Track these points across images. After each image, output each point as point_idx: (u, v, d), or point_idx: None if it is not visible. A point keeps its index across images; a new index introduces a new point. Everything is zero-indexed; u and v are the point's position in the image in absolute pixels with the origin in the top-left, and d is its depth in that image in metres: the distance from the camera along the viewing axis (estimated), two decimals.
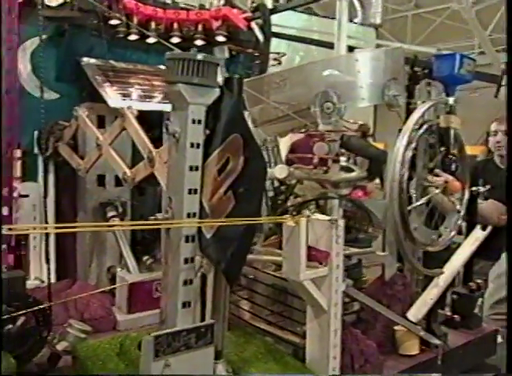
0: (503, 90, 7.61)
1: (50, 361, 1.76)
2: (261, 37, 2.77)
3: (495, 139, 3.39)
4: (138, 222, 2.21)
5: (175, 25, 2.60)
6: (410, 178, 1.99)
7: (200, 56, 1.38)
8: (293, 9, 3.19)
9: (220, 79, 1.48)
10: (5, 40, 1.99)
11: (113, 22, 2.42)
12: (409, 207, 1.89)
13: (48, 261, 2.35)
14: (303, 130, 2.34)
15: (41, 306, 1.71)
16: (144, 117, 2.15)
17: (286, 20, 3.13)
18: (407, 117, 2.07)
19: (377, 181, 2.21)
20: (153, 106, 2.38)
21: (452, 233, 2.11)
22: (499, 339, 2.33)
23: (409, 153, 1.93)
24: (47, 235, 2.49)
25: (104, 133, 2.07)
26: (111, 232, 2.48)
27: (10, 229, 1.78)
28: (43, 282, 2.36)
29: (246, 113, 2.24)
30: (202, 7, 2.72)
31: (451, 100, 2.09)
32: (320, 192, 2.23)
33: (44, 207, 2.29)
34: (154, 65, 2.70)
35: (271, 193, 2.53)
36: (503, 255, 3.21)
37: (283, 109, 2.11)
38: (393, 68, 2.11)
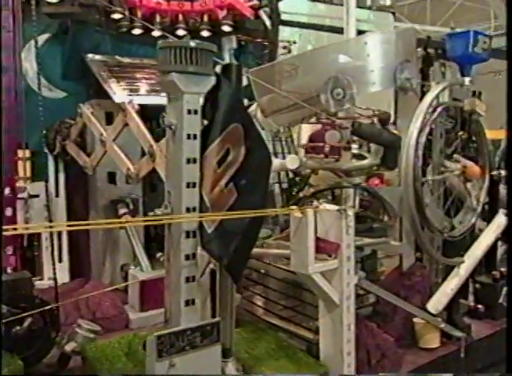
0: None
1: (60, 362, 1.74)
2: (269, 25, 2.70)
3: None
4: (134, 219, 2.17)
5: (180, 17, 2.55)
6: (426, 164, 1.91)
7: (193, 44, 1.31)
8: None
9: (217, 67, 1.42)
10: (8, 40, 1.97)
11: (116, 16, 2.37)
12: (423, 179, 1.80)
13: (60, 260, 2.35)
14: (313, 119, 2.27)
15: (48, 307, 1.69)
16: (151, 112, 2.11)
17: (295, 7, 3.04)
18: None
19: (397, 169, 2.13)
20: (157, 99, 2.33)
21: (473, 220, 2.03)
22: None
23: (423, 137, 1.84)
24: (59, 234, 2.48)
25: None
26: (123, 229, 2.45)
27: (15, 229, 1.76)
28: (56, 281, 2.35)
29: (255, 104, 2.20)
30: None
31: (467, 81, 1.99)
32: (335, 181, 2.16)
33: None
34: None
35: (285, 185, 2.48)
36: None
37: (292, 97, 2.04)
38: (405, 50, 2.01)
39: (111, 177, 2.50)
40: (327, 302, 1.58)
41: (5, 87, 2.02)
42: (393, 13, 6.59)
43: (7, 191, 1.97)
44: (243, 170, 1.39)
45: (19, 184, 2.26)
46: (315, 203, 1.57)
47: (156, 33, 2.51)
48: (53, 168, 2.46)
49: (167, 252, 1.42)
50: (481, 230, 2.19)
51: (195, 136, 1.35)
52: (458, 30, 2.10)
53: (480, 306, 2.13)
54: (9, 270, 2.02)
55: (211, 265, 1.67)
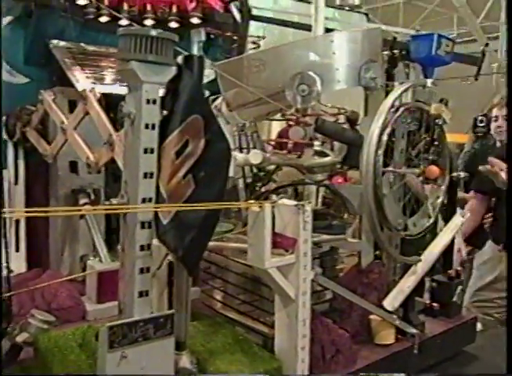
0: (496, 76, 7.55)
1: (10, 353, 1.70)
2: (238, 19, 2.69)
3: (496, 124, 3.44)
4: (89, 208, 2.13)
5: (149, 7, 2.52)
6: (386, 163, 1.93)
7: (154, 32, 1.30)
8: None
9: (179, 58, 1.41)
10: None
11: (82, 2, 2.33)
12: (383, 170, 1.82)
13: (17, 249, 2.30)
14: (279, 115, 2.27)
15: None
16: (116, 102, 2.08)
17: (265, 2, 3.05)
18: None
19: None
20: (122, 89, 2.30)
21: (431, 220, 2.06)
22: (479, 327, 2.29)
23: (385, 137, 1.86)
24: (17, 223, 2.43)
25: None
26: (83, 220, 2.42)
27: None
28: (12, 271, 2.30)
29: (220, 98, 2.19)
30: None
31: (429, 82, 2.02)
32: (298, 178, 2.18)
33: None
34: None
35: (249, 180, 2.47)
36: (488, 242, 3.19)
37: (257, 92, 2.04)
38: (370, 50, 2.03)
39: (73, 166, 2.45)
40: (283, 297, 1.59)
41: None
42: (366, 14, 6.68)
43: None
44: (201, 162, 1.38)
45: None
46: (274, 197, 1.58)
47: (123, 22, 2.48)
48: (12, 155, 2.41)
49: (122, 243, 1.41)
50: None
51: (153, 126, 1.34)
52: (423, 32, 2.13)
53: (435, 304, 2.16)
54: None
55: (169, 258, 1.65)
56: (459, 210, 2.27)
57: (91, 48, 2.53)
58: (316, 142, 2.00)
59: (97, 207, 2.00)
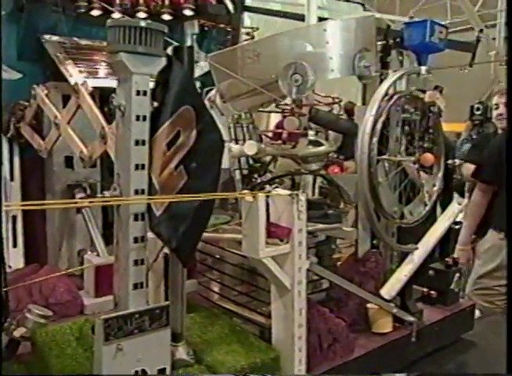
0: (494, 64, 7.52)
1: (8, 348, 1.70)
2: (231, 10, 2.68)
3: (497, 111, 3.45)
4: (80, 200, 2.13)
5: None
6: (381, 151, 1.93)
7: (143, 23, 1.29)
8: None
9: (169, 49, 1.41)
10: None
11: None
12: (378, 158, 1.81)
13: (14, 245, 2.30)
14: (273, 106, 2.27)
15: None
16: (109, 95, 2.07)
17: None
18: None
19: None
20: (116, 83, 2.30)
21: (423, 213, 2.06)
22: (477, 314, 2.29)
23: (379, 125, 1.86)
24: (14, 218, 2.43)
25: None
26: (80, 214, 2.42)
27: None
28: (10, 267, 2.30)
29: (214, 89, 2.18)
30: None
31: (423, 70, 2.01)
32: (294, 168, 2.17)
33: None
34: None
35: (246, 171, 2.47)
36: (490, 231, 3.18)
37: (251, 83, 2.03)
38: (364, 38, 2.02)
39: (68, 161, 2.45)
40: (279, 287, 1.59)
41: None
42: (362, 5, 6.64)
43: None
44: (193, 153, 1.38)
45: None
46: (268, 187, 1.57)
47: (116, 15, 2.47)
48: (7, 151, 2.40)
49: (115, 235, 1.41)
50: None
51: (144, 118, 1.33)
52: (416, 19, 2.12)
53: (433, 292, 2.16)
54: None
55: (165, 250, 1.65)
56: (456, 197, 2.27)
57: (84, 42, 2.51)
58: (310, 132, 1.99)
59: (91, 199, 1.99)
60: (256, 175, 2.35)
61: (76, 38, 2.50)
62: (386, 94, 1.92)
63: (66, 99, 2.36)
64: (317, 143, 1.98)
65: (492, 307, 3.08)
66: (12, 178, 2.41)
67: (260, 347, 1.61)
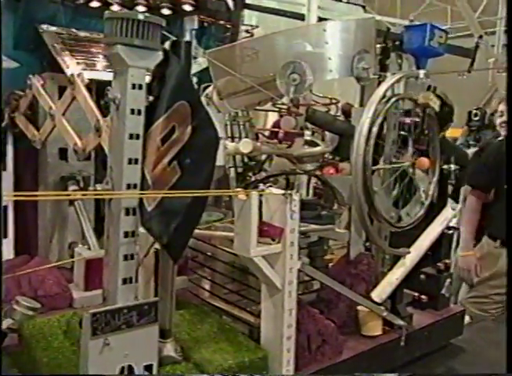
0: (492, 71, 7.53)
1: None
2: (231, 7, 2.66)
3: (502, 119, 3.43)
4: (71, 192, 2.12)
5: None
6: (377, 153, 1.92)
7: (141, 16, 1.28)
8: None
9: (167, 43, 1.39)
10: None
11: None
12: (373, 168, 1.81)
13: (5, 235, 2.28)
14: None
15: None
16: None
17: None
18: None
19: None
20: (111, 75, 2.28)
21: (420, 213, 2.05)
22: (467, 319, 2.29)
23: (375, 127, 1.85)
24: (5, 209, 2.41)
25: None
26: (72, 207, 2.40)
27: None
28: None
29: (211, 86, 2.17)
30: None
31: (421, 73, 2.00)
32: (290, 168, 2.16)
33: None
34: None
35: (240, 169, 2.46)
36: (484, 238, 3.18)
37: (248, 81, 2.02)
38: (363, 40, 2.01)
39: (62, 153, 2.43)
40: (269, 287, 1.58)
41: None
42: (363, 7, 6.63)
43: None
44: (188, 149, 1.37)
45: None
46: (261, 186, 1.56)
47: (115, 7, 2.46)
48: (1, 140, 2.38)
49: (106, 229, 1.40)
50: None
51: (139, 112, 1.32)
52: (416, 22, 2.11)
53: (423, 297, 2.16)
54: None
55: (156, 246, 1.64)
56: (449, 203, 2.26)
57: (82, 33, 2.49)
58: (307, 132, 1.98)
59: (84, 192, 1.98)
60: (250, 174, 2.34)
61: (74, 30, 2.48)
62: (384, 96, 1.91)
63: (62, 91, 2.33)
64: (313, 144, 1.97)
65: (485, 315, 3.08)
66: (4, 168, 2.39)
67: (248, 346, 1.60)
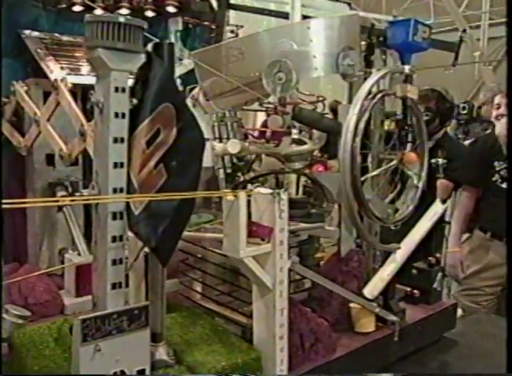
0: (479, 65, 7.57)
1: None
2: (215, 7, 2.66)
3: (498, 112, 3.43)
4: (56, 199, 2.10)
5: None
6: (364, 149, 1.92)
7: (121, 19, 1.27)
8: None
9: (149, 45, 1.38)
10: None
11: None
12: (362, 178, 1.82)
13: None
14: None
15: None
16: None
17: None
18: None
19: None
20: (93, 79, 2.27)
21: (416, 197, 2.05)
22: (460, 312, 2.30)
23: (362, 123, 1.85)
24: None
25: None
26: (61, 213, 2.39)
27: None
28: None
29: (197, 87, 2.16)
30: None
31: (406, 69, 2.00)
32: (279, 167, 2.16)
33: None
34: None
35: (229, 170, 2.45)
36: (476, 231, 3.19)
37: (234, 81, 2.01)
38: (348, 37, 2.01)
39: (49, 159, 2.41)
40: (260, 287, 1.57)
41: None
42: (348, 4, 6.62)
43: None
44: (173, 151, 1.36)
45: None
46: (249, 186, 1.56)
47: (98, 11, 2.44)
48: None
49: (94, 234, 1.39)
50: None
51: (123, 115, 1.31)
52: (400, 18, 2.11)
53: (416, 292, 2.16)
54: None
55: (146, 249, 1.63)
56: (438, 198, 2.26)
57: (65, 38, 2.47)
58: (294, 131, 1.98)
59: (72, 197, 1.96)
60: (240, 174, 2.34)
61: (57, 34, 2.46)
62: (369, 92, 1.91)
63: (47, 96, 2.32)
64: (300, 142, 1.97)
65: (477, 307, 3.10)
66: None
67: (241, 347, 1.60)
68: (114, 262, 1.35)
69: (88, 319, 1.29)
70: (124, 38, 1.27)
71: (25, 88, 2.10)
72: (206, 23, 2.76)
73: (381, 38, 2.10)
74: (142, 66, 1.35)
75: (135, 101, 1.35)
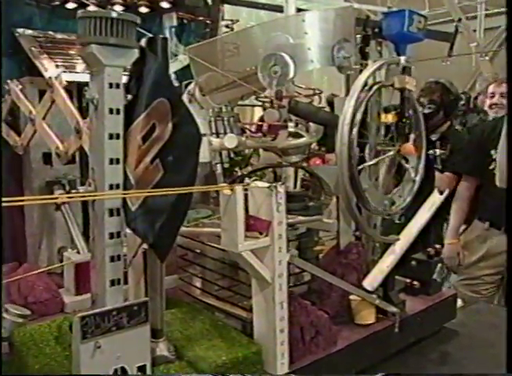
0: (476, 56, 7.55)
1: None
2: (209, 2, 2.65)
3: (492, 101, 3.43)
4: (53, 196, 2.10)
5: None
6: (361, 142, 1.91)
7: (114, 14, 1.27)
8: None
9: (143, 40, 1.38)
10: None
11: None
12: (360, 167, 1.81)
13: None
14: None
15: None
16: None
17: None
18: None
19: None
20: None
21: (413, 190, 2.04)
22: (460, 303, 2.30)
23: (359, 115, 1.84)
24: None
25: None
26: (60, 212, 2.38)
27: None
28: None
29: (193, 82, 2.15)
30: None
31: (402, 59, 1.99)
32: (276, 161, 2.16)
33: None
34: None
35: (227, 165, 2.45)
36: (476, 221, 3.19)
37: (230, 75, 2.00)
38: (343, 29, 2.00)
39: (46, 158, 2.41)
40: (259, 281, 1.57)
41: None
42: None
43: None
44: (169, 146, 1.35)
45: None
46: (246, 180, 1.56)
47: (91, 8, 2.42)
48: None
49: (92, 231, 1.39)
50: None
51: (118, 111, 1.30)
52: (395, 9, 2.10)
53: (415, 283, 2.16)
54: None
55: (145, 246, 1.63)
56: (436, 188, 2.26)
57: (59, 36, 2.46)
58: (290, 124, 1.97)
59: (69, 194, 1.96)
60: (237, 169, 2.33)
61: (51, 32, 2.45)
62: (365, 84, 1.90)
63: (42, 95, 2.31)
64: (297, 135, 1.96)
65: (477, 296, 3.10)
66: None
67: (241, 341, 1.60)
68: (112, 259, 1.34)
69: (87, 316, 1.29)
70: (116, 34, 1.26)
71: (20, 86, 2.09)
72: (200, 18, 2.75)
73: (376, 30, 2.10)
74: (136, 62, 1.35)
75: (129, 97, 1.35)
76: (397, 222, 2.06)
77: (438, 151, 2.18)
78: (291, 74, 1.89)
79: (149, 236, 1.32)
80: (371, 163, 1.89)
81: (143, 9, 2.49)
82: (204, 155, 2.01)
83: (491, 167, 3.03)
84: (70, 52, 2.41)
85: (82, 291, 2.10)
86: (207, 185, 2.14)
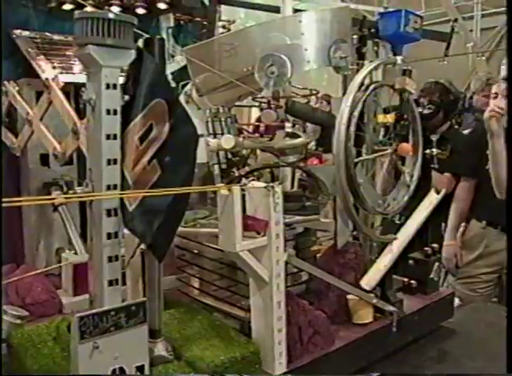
0: (472, 56, 7.57)
1: None
2: (206, 3, 2.65)
3: (495, 101, 3.41)
4: (50, 197, 2.10)
5: None
6: (358, 142, 1.92)
7: (111, 15, 1.27)
8: None
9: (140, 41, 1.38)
10: None
11: None
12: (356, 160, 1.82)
13: None
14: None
15: None
16: None
17: None
18: None
19: None
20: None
21: (406, 196, 2.05)
22: (457, 302, 2.30)
23: (356, 115, 1.85)
24: None
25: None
26: (57, 212, 2.38)
27: None
28: None
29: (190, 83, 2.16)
30: None
31: (399, 60, 2.00)
32: (273, 161, 2.16)
33: None
34: None
35: (224, 166, 2.45)
36: (473, 221, 3.20)
37: (226, 76, 2.01)
38: (339, 29, 2.01)
39: (44, 159, 2.41)
40: (257, 280, 1.58)
41: None
42: None
43: None
44: (167, 147, 1.36)
45: None
46: (243, 180, 1.56)
47: (88, 9, 2.42)
48: None
49: (89, 232, 1.39)
50: None
51: (115, 112, 1.31)
52: (391, 9, 2.11)
53: (413, 282, 2.17)
54: None
55: (142, 246, 1.63)
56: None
57: (56, 37, 2.46)
58: (287, 124, 1.98)
59: (67, 195, 1.95)
60: (235, 169, 2.34)
61: (48, 33, 2.45)
62: (362, 84, 1.91)
63: (39, 96, 2.31)
64: (294, 135, 1.97)
65: (474, 295, 3.11)
66: None
67: (239, 341, 1.60)
68: (110, 259, 1.35)
69: (85, 316, 1.29)
70: (113, 34, 1.27)
71: (17, 88, 2.10)
72: (197, 19, 2.75)
73: (373, 30, 2.10)
74: (133, 63, 1.35)
75: (126, 97, 1.35)
76: (397, 222, 2.06)
77: (435, 151, 2.18)
78: (288, 75, 1.90)
79: (146, 237, 1.32)
80: (368, 157, 1.89)
81: (140, 10, 2.49)
82: (202, 156, 2.01)
83: (487, 166, 3.04)
84: (67, 53, 2.40)
85: (80, 291, 2.10)
86: (204, 186, 2.15)
